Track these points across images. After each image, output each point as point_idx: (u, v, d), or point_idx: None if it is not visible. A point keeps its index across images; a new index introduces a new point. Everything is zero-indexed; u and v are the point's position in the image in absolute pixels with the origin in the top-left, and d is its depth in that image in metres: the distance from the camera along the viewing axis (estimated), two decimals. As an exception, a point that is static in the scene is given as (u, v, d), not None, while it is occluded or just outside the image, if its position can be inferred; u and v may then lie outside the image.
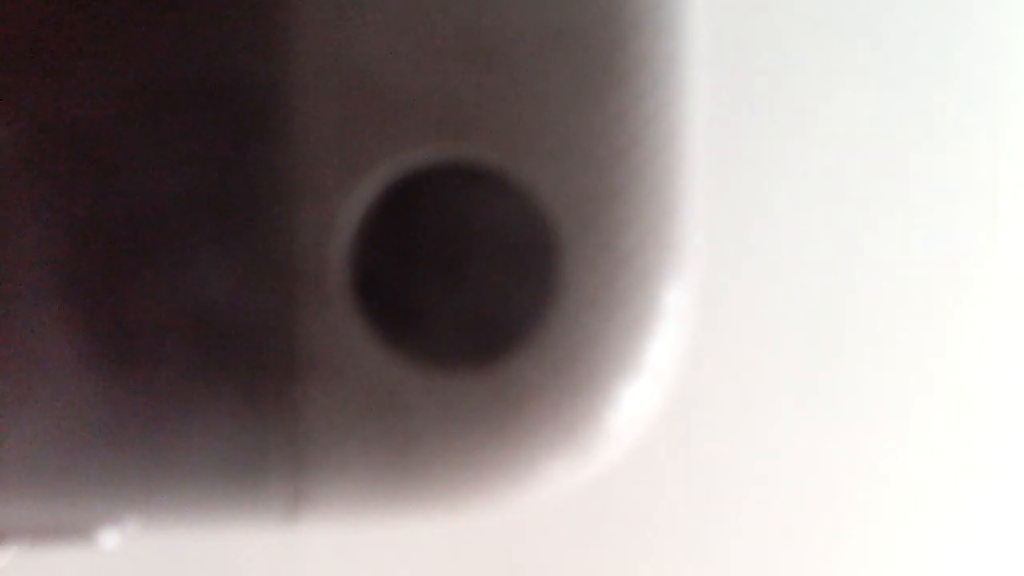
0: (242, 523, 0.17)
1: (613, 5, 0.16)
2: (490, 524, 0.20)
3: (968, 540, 0.23)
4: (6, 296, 0.16)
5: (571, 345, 0.16)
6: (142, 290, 0.16)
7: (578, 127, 0.16)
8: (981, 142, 0.22)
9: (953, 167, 0.22)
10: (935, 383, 0.23)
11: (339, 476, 0.16)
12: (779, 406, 0.22)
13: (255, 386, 0.16)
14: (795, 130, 0.21)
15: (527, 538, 0.21)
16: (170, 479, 0.16)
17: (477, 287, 0.16)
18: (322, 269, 0.16)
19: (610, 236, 0.16)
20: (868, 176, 0.22)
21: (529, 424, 0.16)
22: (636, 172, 0.16)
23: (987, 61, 0.22)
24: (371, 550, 0.21)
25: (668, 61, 0.16)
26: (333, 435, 0.16)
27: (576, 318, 0.16)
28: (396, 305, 0.16)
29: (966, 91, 0.22)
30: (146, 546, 0.19)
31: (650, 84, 0.16)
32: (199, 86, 0.16)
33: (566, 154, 0.16)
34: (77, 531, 0.16)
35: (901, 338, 0.22)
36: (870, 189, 0.22)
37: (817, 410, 0.22)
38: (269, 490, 0.16)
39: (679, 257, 0.16)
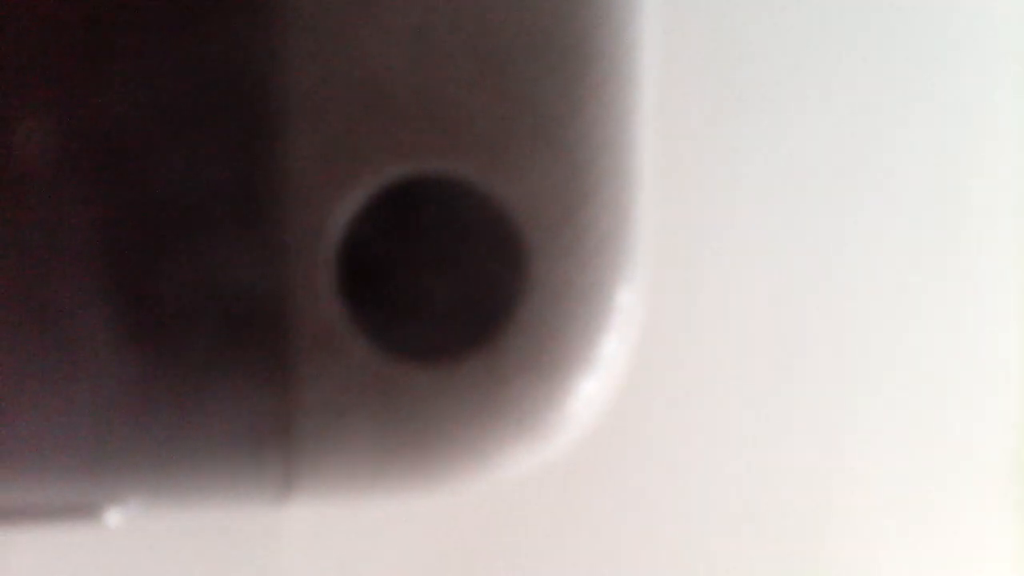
0: (236, 503, 0.17)
1: (577, 26, 0.16)
2: (462, 502, 0.21)
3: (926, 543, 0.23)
4: (15, 284, 0.16)
5: (536, 339, 0.17)
6: (143, 283, 0.16)
7: (545, 142, 0.16)
8: (943, 143, 0.23)
9: (912, 170, 0.22)
10: (884, 375, 0.23)
11: (327, 459, 0.17)
12: (721, 393, 0.22)
13: (250, 373, 0.16)
14: (747, 145, 0.22)
15: (496, 514, 0.21)
16: (169, 460, 0.16)
17: (453, 286, 0.17)
18: (313, 267, 0.16)
19: (572, 241, 0.17)
20: (823, 182, 0.22)
21: (496, 412, 0.17)
22: (596, 184, 0.17)
23: (954, 64, 0.22)
24: (353, 525, 0.21)
25: (627, 80, 0.17)
26: (322, 421, 0.16)
27: (541, 315, 0.17)
28: (380, 302, 0.16)
29: (928, 93, 0.22)
30: (137, 525, 0.19)
31: (610, 101, 0.17)
32: (200, 92, 0.16)
33: (534, 167, 0.16)
34: (81, 510, 0.17)
35: (847, 333, 0.23)
36: (824, 194, 0.22)
37: (759, 397, 0.22)
38: (262, 472, 0.17)
39: (633, 260, 0.17)
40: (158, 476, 0.17)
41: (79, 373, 0.16)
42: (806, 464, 0.23)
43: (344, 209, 0.16)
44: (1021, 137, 0.23)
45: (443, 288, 0.17)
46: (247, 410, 0.16)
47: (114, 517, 0.17)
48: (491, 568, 0.22)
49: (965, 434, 0.23)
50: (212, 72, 0.16)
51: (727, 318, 0.22)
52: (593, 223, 0.17)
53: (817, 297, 0.22)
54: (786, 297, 0.22)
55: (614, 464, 0.22)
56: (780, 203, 0.22)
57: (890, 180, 0.23)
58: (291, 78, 0.16)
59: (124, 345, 0.16)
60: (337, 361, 0.16)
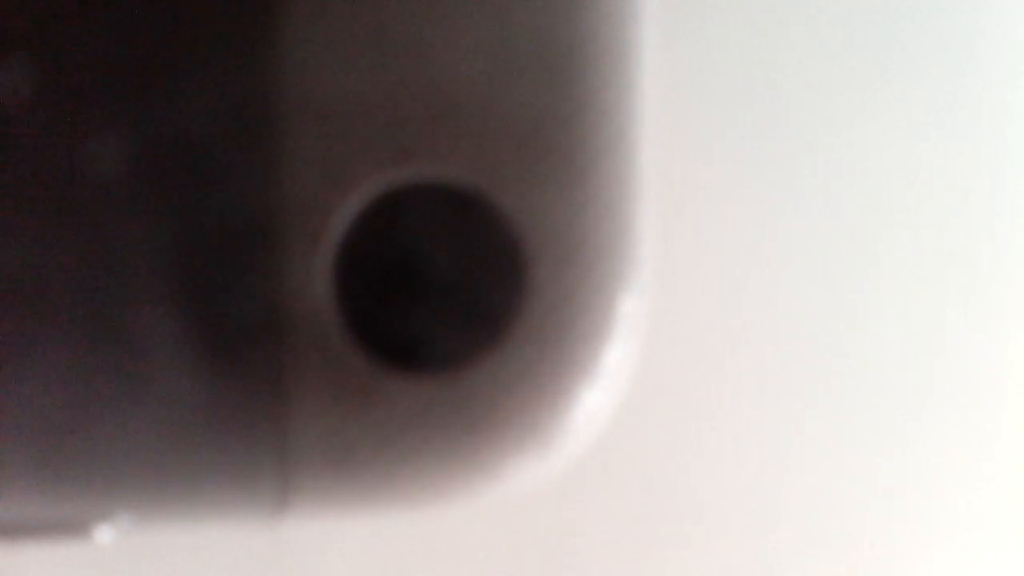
0: (230, 520, 0.17)
1: (577, 34, 0.16)
2: (464, 515, 0.21)
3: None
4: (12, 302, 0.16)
5: (536, 349, 0.17)
6: (137, 298, 0.16)
7: (544, 148, 0.16)
8: (954, 150, 0.23)
9: (922, 178, 0.23)
10: (894, 383, 0.23)
11: (323, 474, 0.16)
12: (728, 403, 0.22)
13: (244, 385, 0.16)
14: (751, 149, 0.22)
15: (496, 529, 0.21)
16: (160, 476, 0.16)
17: (451, 296, 0.16)
18: (308, 279, 0.16)
19: (572, 250, 0.17)
20: (829, 186, 0.22)
21: (498, 423, 0.17)
22: (596, 191, 0.17)
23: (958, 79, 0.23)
24: (351, 542, 0.21)
25: (627, 85, 0.17)
26: (319, 433, 0.16)
27: (540, 325, 0.17)
28: (377, 313, 0.16)
29: (934, 99, 0.22)
30: (132, 542, 0.19)
31: (609, 108, 0.17)
32: (191, 103, 0.16)
33: (532, 172, 0.16)
34: (71, 527, 0.17)
35: (857, 340, 0.23)
36: (831, 198, 0.22)
37: (766, 407, 0.22)
38: (257, 487, 0.16)
39: (636, 267, 0.17)
40: (149, 492, 0.17)
41: (67, 388, 0.16)
42: (815, 475, 0.23)
43: (341, 217, 0.16)
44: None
45: (441, 297, 0.17)
46: (241, 423, 0.16)
47: (104, 534, 0.17)
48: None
49: (981, 445, 0.23)
50: (202, 89, 0.16)
51: (733, 326, 0.22)
52: (594, 229, 0.17)
53: (826, 302, 0.22)
54: (793, 303, 0.22)
55: (618, 477, 0.22)
56: (786, 207, 0.22)
57: (899, 184, 0.23)
58: (289, 81, 0.16)
59: (117, 361, 0.16)
60: (334, 372, 0.16)
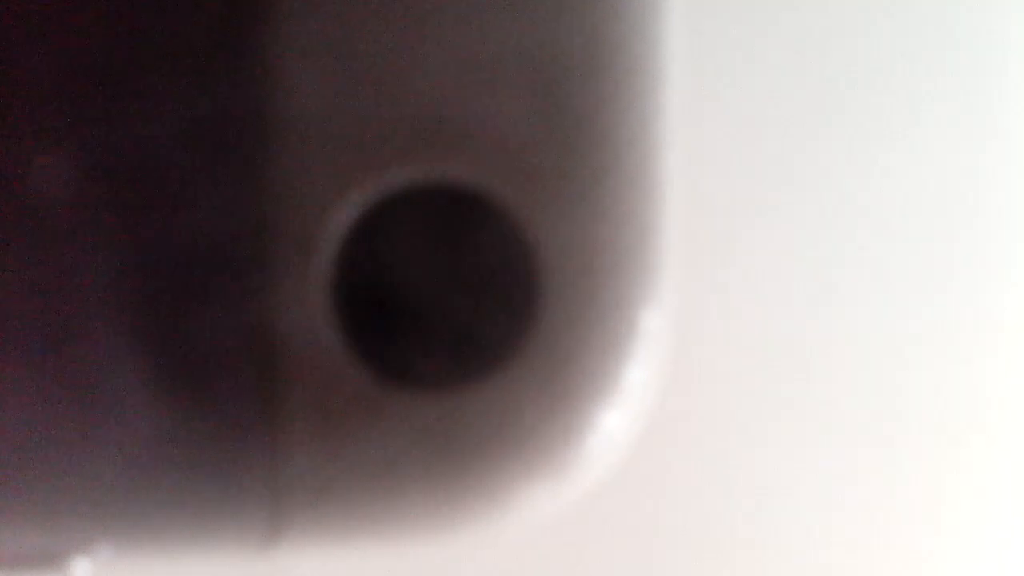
0: (219, 550, 0.17)
1: (593, 31, 0.16)
2: (470, 548, 0.20)
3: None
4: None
5: (550, 367, 0.16)
6: (117, 317, 0.16)
7: (558, 151, 0.16)
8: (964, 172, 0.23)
9: (957, 198, 0.23)
10: (910, 405, 0.23)
11: (318, 501, 0.16)
12: (756, 426, 0.22)
13: (233, 409, 0.16)
14: (774, 155, 0.22)
15: (507, 563, 0.21)
16: (145, 505, 0.16)
17: (458, 306, 0.16)
18: (303, 291, 0.16)
19: (588, 259, 0.16)
20: (861, 190, 0.22)
21: (506, 448, 0.16)
22: (614, 196, 0.16)
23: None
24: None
25: (647, 86, 0.16)
26: (312, 459, 0.16)
27: (555, 340, 0.16)
28: (376, 328, 0.16)
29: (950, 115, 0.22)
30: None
31: (628, 109, 0.16)
32: (172, 113, 0.16)
33: (546, 177, 0.16)
34: (48, 559, 0.16)
35: (877, 361, 0.22)
36: (863, 202, 0.22)
37: (795, 430, 0.22)
38: (247, 516, 0.16)
39: (656, 279, 0.17)
40: (129, 522, 0.16)
41: (43, 409, 0.16)
42: (851, 503, 0.23)
43: (340, 221, 0.16)
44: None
45: (446, 309, 0.16)
46: (228, 448, 0.16)
47: (82, 567, 0.16)
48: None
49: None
50: (195, 94, 0.16)
51: (762, 343, 0.22)
52: (612, 237, 0.16)
53: (856, 311, 0.22)
54: (824, 316, 0.22)
55: (638, 508, 0.22)
56: (822, 214, 0.22)
57: (929, 195, 0.23)
58: (276, 91, 0.16)
59: (97, 386, 0.16)
60: (328, 394, 0.16)
